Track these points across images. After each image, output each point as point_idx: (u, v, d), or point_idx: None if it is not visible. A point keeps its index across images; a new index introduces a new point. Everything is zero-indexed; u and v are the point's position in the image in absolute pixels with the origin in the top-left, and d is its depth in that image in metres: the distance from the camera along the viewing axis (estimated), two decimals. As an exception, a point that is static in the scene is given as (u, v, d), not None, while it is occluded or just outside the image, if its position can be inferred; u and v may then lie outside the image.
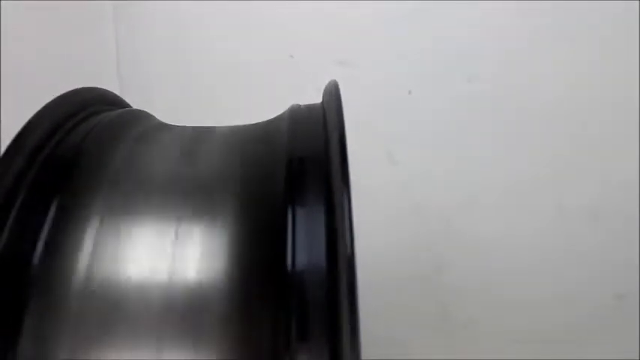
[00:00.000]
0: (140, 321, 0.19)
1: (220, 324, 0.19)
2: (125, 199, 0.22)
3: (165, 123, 0.28)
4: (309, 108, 0.27)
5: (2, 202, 0.20)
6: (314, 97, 0.49)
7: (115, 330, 0.19)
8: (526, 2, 0.49)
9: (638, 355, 0.51)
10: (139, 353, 0.19)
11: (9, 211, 0.20)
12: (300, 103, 0.28)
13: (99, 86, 0.51)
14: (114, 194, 0.22)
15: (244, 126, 0.28)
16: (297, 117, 0.26)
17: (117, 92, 0.51)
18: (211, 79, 0.51)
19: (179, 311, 0.19)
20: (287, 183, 0.22)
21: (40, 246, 0.20)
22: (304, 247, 0.20)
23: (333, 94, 0.25)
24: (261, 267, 0.20)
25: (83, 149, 0.23)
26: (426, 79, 0.50)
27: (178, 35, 0.52)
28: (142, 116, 0.28)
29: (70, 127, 0.24)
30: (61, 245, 0.20)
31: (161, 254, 0.20)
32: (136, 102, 0.51)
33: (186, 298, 0.19)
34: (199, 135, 0.27)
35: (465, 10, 0.50)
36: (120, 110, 0.28)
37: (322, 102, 0.27)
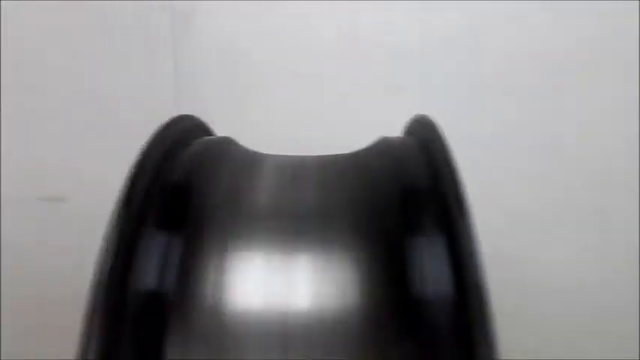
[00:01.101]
0: (265, 350, 0.19)
1: (346, 355, 0.19)
2: (242, 228, 0.22)
3: (256, 151, 0.29)
4: (402, 140, 0.28)
5: (132, 236, 0.21)
6: (365, 118, 0.50)
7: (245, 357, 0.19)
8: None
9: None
10: None
11: (138, 241, 0.21)
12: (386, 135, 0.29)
13: (155, 107, 0.52)
14: (231, 223, 0.22)
15: (336, 156, 0.28)
16: (395, 147, 0.26)
17: (172, 110, 0.53)
18: (267, 102, 0.52)
19: (302, 343, 0.19)
20: (403, 213, 0.22)
21: (171, 276, 0.20)
22: (430, 277, 0.20)
23: (429, 126, 0.25)
24: (387, 298, 0.20)
25: (196, 178, 0.24)
26: (474, 102, 0.51)
27: (235, 58, 0.53)
28: (233, 143, 0.29)
29: (180, 156, 0.25)
30: (190, 274, 0.20)
31: (283, 282, 0.21)
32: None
33: (310, 328, 0.20)
34: (298, 164, 0.27)
35: (512, 32, 0.51)
36: (214, 137, 0.28)
37: (413, 134, 0.27)
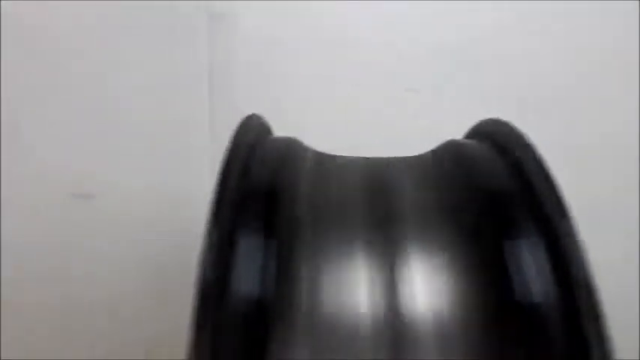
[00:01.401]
0: (366, 347, 0.19)
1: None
2: (336, 229, 0.22)
3: (322, 152, 0.29)
4: (476, 143, 0.28)
5: (229, 242, 0.20)
6: (387, 122, 0.50)
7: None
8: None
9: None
10: None
11: (230, 252, 0.20)
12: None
13: (189, 101, 0.52)
14: (319, 225, 0.22)
15: (412, 158, 0.28)
16: (472, 150, 0.26)
17: (206, 110, 0.53)
18: (300, 101, 0.52)
19: (412, 346, 0.19)
20: (499, 216, 0.22)
21: (271, 281, 0.20)
22: (535, 280, 0.20)
23: (508, 126, 0.26)
24: (494, 302, 0.20)
25: (282, 180, 0.24)
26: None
27: (270, 55, 0.53)
28: (300, 142, 0.29)
29: (261, 157, 0.25)
30: (284, 280, 0.20)
31: (386, 285, 0.20)
32: (225, 120, 0.53)
33: (419, 331, 0.19)
34: (379, 165, 0.27)
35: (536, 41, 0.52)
36: (285, 138, 0.28)
37: (486, 136, 0.27)
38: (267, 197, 0.23)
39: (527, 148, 0.24)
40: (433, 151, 0.28)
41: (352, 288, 0.20)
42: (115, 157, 0.54)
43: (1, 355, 0.50)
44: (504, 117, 0.49)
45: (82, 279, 0.53)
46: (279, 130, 0.48)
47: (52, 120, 0.53)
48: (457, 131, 0.31)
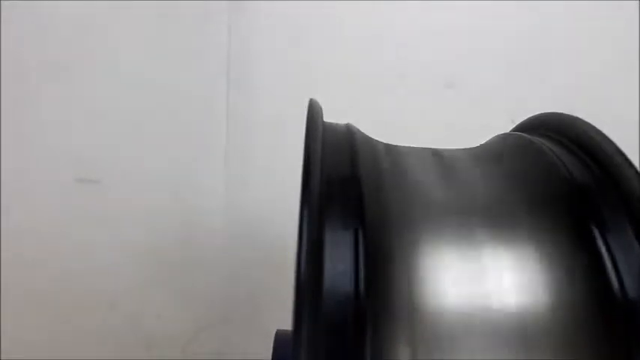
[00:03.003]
0: (467, 344, 0.18)
1: (560, 355, 0.18)
2: (424, 221, 0.21)
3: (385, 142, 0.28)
4: (538, 134, 0.27)
5: (320, 237, 0.19)
6: (422, 116, 0.50)
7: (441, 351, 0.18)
8: None
9: None
10: None
11: (322, 247, 0.19)
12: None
13: (206, 88, 0.51)
14: (405, 219, 0.21)
15: (475, 149, 0.27)
16: (535, 142, 0.25)
17: (224, 95, 0.51)
18: (321, 89, 0.51)
19: (504, 338, 0.18)
20: (584, 205, 0.21)
21: (361, 279, 0.19)
22: (629, 273, 0.19)
23: (574, 118, 0.25)
24: (587, 298, 0.19)
25: (361, 171, 0.22)
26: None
27: (292, 42, 0.52)
28: (360, 130, 0.27)
29: (334, 146, 0.23)
30: (377, 273, 0.19)
31: (480, 279, 0.19)
32: (242, 108, 0.51)
33: (510, 325, 0.19)
34: (445, 155, 0.26)
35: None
36: (348, 125, 0.27)
37: (546, 129, 0.27)
38: (351, 191, 0.21)
39: (602, 139, 0.23)
40: (497, 143, 0.27)
41: (447, 283, 0.19)
42: (122, 142, 0.52)
43: (2, 340, 0.49)
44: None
45: (85, 265, 0.52)
46: (295, 118, 0.48)
47: (57, 104, 0.52)
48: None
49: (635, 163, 0.50)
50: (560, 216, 0.21)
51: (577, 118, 0.25)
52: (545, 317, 0.19)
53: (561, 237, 0.21)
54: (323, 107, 0.26)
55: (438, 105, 0.51)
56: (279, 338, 0.25)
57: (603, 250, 0.20)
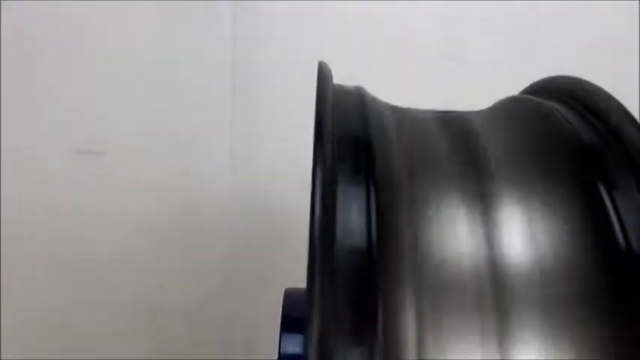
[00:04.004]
0: (468, 296, 0.19)
1: (564, 308, 0.19)
2: (432, 176, 0.21)
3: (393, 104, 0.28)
4: (547, 96, 0.27)
5: (329, 189, 0.20)
6: (424, 89, 0.50)
7: (445, 303, 0.19)
8: None
9: None
10: (472, 314, 0.18)
11: (335, 200, 0.20)
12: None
13: (211, 78, 0.51)
14: (413, 174, 0.21)
15: (485, 111, 0.27)
16: (544, 103, 0.26)
17: (230, 63, 0.52)
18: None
19: (518, 294, 0.19)
20: (592, 164, 0.22)
21: (373, 230, 0.19)
22: (634, 229, 0.19)
23: (581, 80, 0.26)
24: (592, 252, 0.19)
25: (370, 129, 0.23)
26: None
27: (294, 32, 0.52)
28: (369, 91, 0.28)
29: (344, 106, 0.24)
30: (387, 224, 0.20)
31: (477, 228, 0.20)
32: (248, 74, 0.52)
33: (515, 276, 0.19)
34: (453, 114, 0.26)
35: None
36: (358, 87, 0.27)
37: (560, 89, 0.27)
38: (363, 144, 0.22)
39: (609, 99, 0.23)
40: (505, 104, 0.28)
41: (453, 236, 0.20)
42: (126, 113, 0.53)
43: (1, 315, 0.50)
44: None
45: (91, 237, 0.52)
46: (300, 111, 0.48)
47: (61, 74, 0.52)
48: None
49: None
50: (567, 174, 0.22)
51: (584, 80, 0.26)
52: (550, 270, 0.19)
53: (568, 194, 0.21)
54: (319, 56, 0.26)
55: (441, 78, 0.52)
56: (289, 295, 0.26)
57: (609, 207, 0.20)
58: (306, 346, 0.17)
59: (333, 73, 0.27)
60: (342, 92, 0.26)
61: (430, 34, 0.52)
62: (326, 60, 0.48)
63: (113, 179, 0.52)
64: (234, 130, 0.52)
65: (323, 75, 0.24)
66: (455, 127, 0.25)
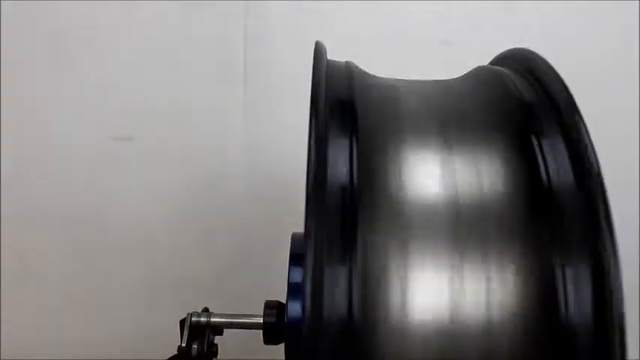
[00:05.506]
0: (436, 227, 0.24)
1: (500, 231, 0.24)
2: (399, 133, 0.27)
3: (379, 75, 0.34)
4: (506, 66, 0.33)
5: (322, 140, 0.25)
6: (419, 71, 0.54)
7: (410, 233, 0.24)
8: None
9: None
10: (436, 244, 0.24)
11: (326, 149, 0.25)
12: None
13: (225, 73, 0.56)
14: (388, 129, 0.27)
15: (450, 80, 0.33)
16: (501, 71, 0.32)
17: (240, 77, 0.56)
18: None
19: (467, 219, 0.25)
20: (527, 117, 0.27)
21: (355, 172, 0.25)
22: (555, 169, 0.25)
23: (531, 52, 0.31)
24: (521, 187, 0.25)
25: (356, 94, 0.29)
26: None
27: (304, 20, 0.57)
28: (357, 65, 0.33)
29: (337, 76, 0.30)
30: (366, 169, 0.25)
31: (436, 174, 0.26)
32: (259, 99, 0.56)
33: (468, 205, 0.25)
34: (425, 83, 0.32)
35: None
36: (348, 62, 0.33)
37: (510, 59, 0.33)
38: (348, 105, 0.28)
39: (549, 70, 0.29)
40: (470, 73, 0.33)
41: (417, 177, 0.26)
42: (151, 103, 0.57)
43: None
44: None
45: (116, 215, 0.58)
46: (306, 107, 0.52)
47: (96, 69, 0.57)
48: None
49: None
50: (508, 125, 0.28)
51: (534, 53, 0.31)
52: (492, 202, 0.25)
53: (507, 141, 0.27)
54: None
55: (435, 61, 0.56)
56: (294, 237, 0.31)
57: (538, 152, 0.26)
58: (305, 266, 0.23)
59: (339, 58, 0.33)
60: (334, 66, 0.31)
61: (428, 25, 0.57)
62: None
63: (141, 161, 0.58)
64: (247, 116, 0.57)
65: (318, 52, 0.30)
66: (425, 90, 0.31)
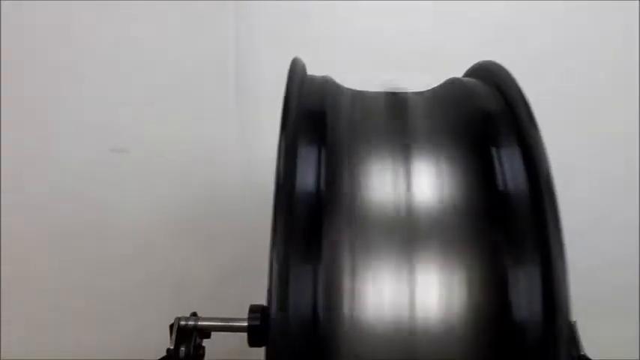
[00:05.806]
0: (397, 231, 0.26)
1: (455, 233, 0.26)
2: (364, 143, 0.29)
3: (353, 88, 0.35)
4: (470, 79, 0.35)
5: (294, 150, 0.27)
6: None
7: (370, 235, 0.26)
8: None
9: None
10: (391, 242, 0.26)
11: (295, 156, 0.27)
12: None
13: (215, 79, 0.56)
14: (354, 139, 0.29)
15: (419, 93, 0.35)
16: (469, 82, 0.34)
17: (232, 70, 0.56)
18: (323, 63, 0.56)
19: (423, 223, 0.27)
20: (487, 129, 0.29)
21: (322, 178, 0.27)
22: (510, 178, 0.27)
23: (498, 65, 0.33)
24: (479, 190, 0.27)
25: (326, 106, 0.31)
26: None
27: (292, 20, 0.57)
28: (333, 79, 0.35)
29: (309, 89, 0.31)
30: (332, 176, 0.27)
31: (396, 181, 0.28)
32: (250, 101, 0.57)
33: (425, 209, 0.27)
34: (393, 96, 0.34)
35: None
36: (321, 75, 0.34)
37: (479, 73, 0.35)
38: (317, 119, 0.30)
39: (511, 82, 0.31)
40: (443, 85, 0.35)
41: (379, 182, 0.28)
42: (146, 116, 0.58)
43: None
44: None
45: (118, 224, 0.58)
46: None
47: (91, 82, 0.58)
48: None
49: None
50: (469, 135, 0.30)
51: (501, 67, 0.33)
52: (449, 206, 0.27)
53: (467, 150, 0.29)
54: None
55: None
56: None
57: (496, 160, 0.28)
58: (271, 265, 0.25)
59: (327, 68, 0.34)
60: (310, 80, 0.33)
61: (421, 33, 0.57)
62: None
63: (138, 172, 0.58)
64: (241, 126, 0.58)
65: (294, 67, 0.32)
66: (394, 102, 0.33)
